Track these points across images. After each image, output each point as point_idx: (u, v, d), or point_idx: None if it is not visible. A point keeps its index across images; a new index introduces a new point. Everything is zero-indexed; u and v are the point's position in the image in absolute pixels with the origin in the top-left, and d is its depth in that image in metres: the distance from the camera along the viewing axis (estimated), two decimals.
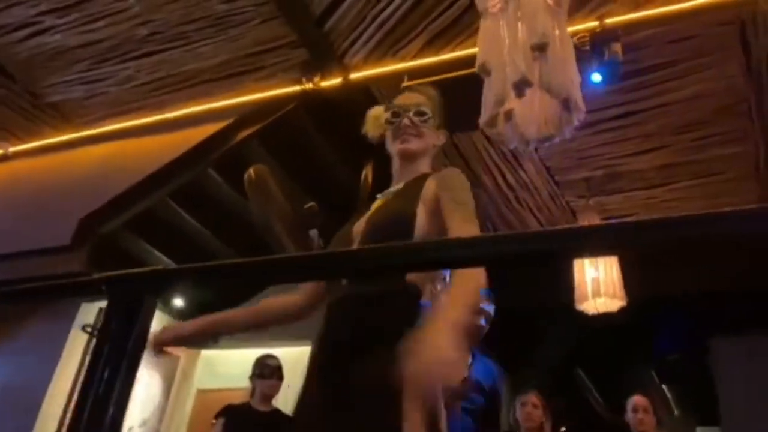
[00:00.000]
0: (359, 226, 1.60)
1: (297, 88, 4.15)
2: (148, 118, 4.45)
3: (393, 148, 1.73)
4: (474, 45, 3.75)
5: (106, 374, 0.76)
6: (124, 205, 4.36)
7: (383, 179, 4.66)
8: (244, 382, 6.51)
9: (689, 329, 6.39)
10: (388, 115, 1.74)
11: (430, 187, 1.56)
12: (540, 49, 2.04)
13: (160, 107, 4.43)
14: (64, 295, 0.96)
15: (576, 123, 2.11)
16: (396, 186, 1.69)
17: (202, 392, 6.05)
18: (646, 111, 3.87)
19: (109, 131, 4.54)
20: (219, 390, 6.29)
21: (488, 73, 2.10)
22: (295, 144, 4.62)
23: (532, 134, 2.20)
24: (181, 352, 5.56)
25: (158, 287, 0.86)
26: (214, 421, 3.70)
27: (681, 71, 3.65)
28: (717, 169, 4.35)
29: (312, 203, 4.50)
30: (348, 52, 3.95)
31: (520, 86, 1.99)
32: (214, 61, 4.12)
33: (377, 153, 4.72)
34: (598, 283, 4.01)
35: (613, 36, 3.31)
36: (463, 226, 1.43)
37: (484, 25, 2.27)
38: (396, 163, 1.74)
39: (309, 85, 4.11)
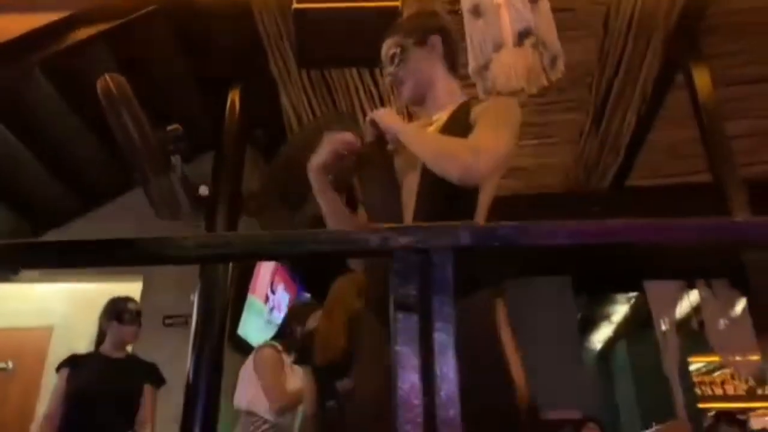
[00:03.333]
0: (404, 159, 1.48)
1: None
2: None
3: (402, 102, 1.64)
4: None
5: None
6: None
7: (254, 106, 4.30)
8: (31, 320, 5.71)
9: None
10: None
11: (475, 111, 1.43)
12: (534, 0, 2.05)
13: None
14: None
15: (547, 83, 2.17)
16: (435, 115, 1.51)
17: None
18: None
19: None
20: (3, 329, 5.42)
21: (480, 14, 2.04)
22: (145, 55, 3.99)
23: (500, 85, 2.21)
24: None
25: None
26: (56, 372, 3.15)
27: None
28: (550, 133, 4.88)
29: (176, 125, 4.02)
30: None
31: (523, 35, 1.98)
32: None
33: (246, 77, 4.33)
34: None
35: None
36: (487, 131, 1.36)
37: None
38: (416, 108, 1.64)
39: None
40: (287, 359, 3.03)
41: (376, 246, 0.68)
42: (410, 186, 1.41)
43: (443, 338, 0.65)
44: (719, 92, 4.05)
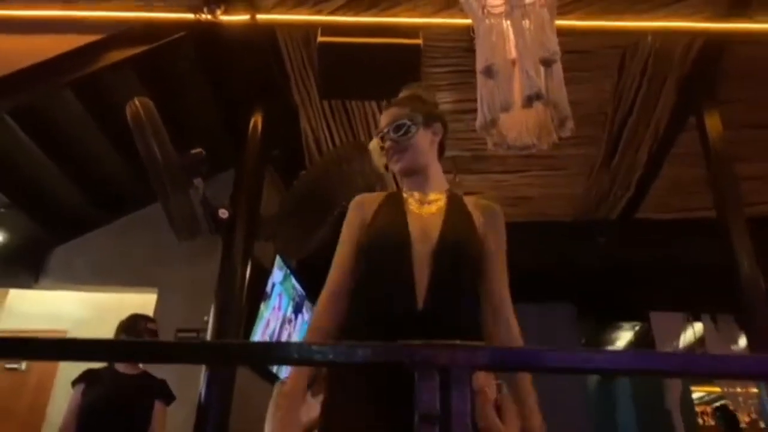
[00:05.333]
0: (418, 228, 1.51)
1: (191, 16, 3.69)
2: None
3: (392, 168, 1.68)
4: (396, 15, 3.75)
5: None
6: None
7: (275, 130, 4.40)
8: (46, 323, 5.84)
9: None
10: (380, 141, 1.69)
11: (477, 216, 1.58)
12: (548, 64, 2.14)
13: (5, 1, 3.60)
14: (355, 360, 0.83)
15: (556, 140, 2.27)
16: (431, 194, 1.61)
17: (0, 333, 5.28)
18: None
19: None
20: (20, 331, 5.56)
21: (492, 75, 2.14)
22: (171, 79, 4.12)
23: (512, 139, 2.30)
24: None
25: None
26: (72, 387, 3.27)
27: (567, 79, 4.05)
28: (563, 165, 4.97)
29: (199, 149, 4.14)
30: None
31: (532, 99, 2.07)
32: None
33: (265, 102, 4.45)
34: None
35: None
36: (505, 281, 1.57)
37: (485, 24, 2.27)
38: (405, 179, 1.68)
39: (207, 16, 3.69)
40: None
41: (406, 359, 0.78)
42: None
43: None
44: (729, 135, 4.14)
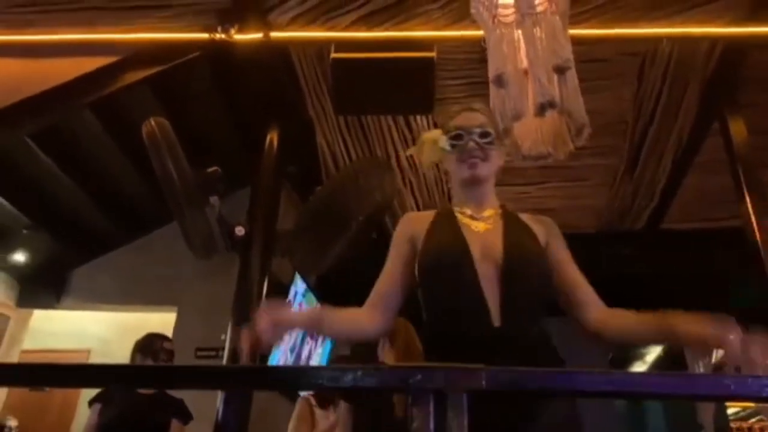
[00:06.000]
0: (478, 245, 1.46)
1: (205, 36, 3.72)
2: (11, 36, 3.66)
3: (459, 173, 1.58)
4: (409, 29, 3.74)
5: None
6: None
7: (291, 146, 4.40)
8: (70, 343, 5.90)
9: None
10: (448, 137, 1.59)
11: (539, 231, 1.54)
12: (561, 71, 2.09)
13: (27, 26, 3.67)
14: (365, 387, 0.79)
15: (573, 149, 2.21)
16: (486, 210, 1.56)
17: (26, 353, 5.34)
18: None
19: None
20: (44, 351, 5.62)
21: (503, 84, 2.10)
22: (187, 98, 4.16)
23: (526, 149, 2.25)
24: (12, 312, 4.80)
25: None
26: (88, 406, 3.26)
27: (584, 88, 3.98)
28: (584, 176, 4.88)
29: (215, 168, 4.13)
30: (275, 10, 3.63)
31: (545, 107, 2.02)
32: None
33: (281, 119, 4.46)
34: None
35: None
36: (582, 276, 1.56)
37: (495, 34, 2.23)
38: (459, 187, 1.61)
39: (222, 36, 3.71)
40: (319, 411, 3.07)
41: (396, 384, 0.73)
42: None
43: None
44: (754, 140, 4.02)
